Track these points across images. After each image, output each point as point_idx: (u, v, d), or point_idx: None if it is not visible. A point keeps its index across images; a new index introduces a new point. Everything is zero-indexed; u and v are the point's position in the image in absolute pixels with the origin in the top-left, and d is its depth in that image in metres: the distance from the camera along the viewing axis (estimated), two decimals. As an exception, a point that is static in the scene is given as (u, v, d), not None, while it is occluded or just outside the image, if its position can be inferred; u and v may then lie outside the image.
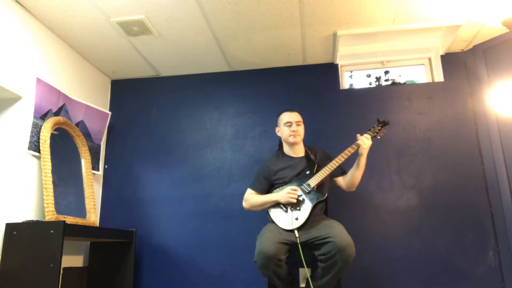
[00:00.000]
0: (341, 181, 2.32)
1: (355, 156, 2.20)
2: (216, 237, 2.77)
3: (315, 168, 2.23)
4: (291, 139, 2.31)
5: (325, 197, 2.16)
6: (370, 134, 2.22)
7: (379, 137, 2.28)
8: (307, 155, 2.34)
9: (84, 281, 2.69)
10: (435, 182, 2.64)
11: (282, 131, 2.35)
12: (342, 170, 2.32)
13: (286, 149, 2.38)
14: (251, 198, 2.28)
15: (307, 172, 2.22)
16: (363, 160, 2.16)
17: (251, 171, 2.72)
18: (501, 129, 2.54)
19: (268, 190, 2.31)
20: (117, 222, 2.91)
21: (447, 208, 2.59)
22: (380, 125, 2.28)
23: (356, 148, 2.17)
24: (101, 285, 2.66)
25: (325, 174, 2.15)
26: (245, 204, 2.31)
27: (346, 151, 2.18)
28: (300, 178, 2.21)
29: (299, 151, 2.36)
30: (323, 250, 1.92)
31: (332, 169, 2.16)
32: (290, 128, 2.31)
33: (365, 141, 2.15)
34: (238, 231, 2.76)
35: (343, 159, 2.17)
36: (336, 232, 1.92)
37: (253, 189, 2.32)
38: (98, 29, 2.52)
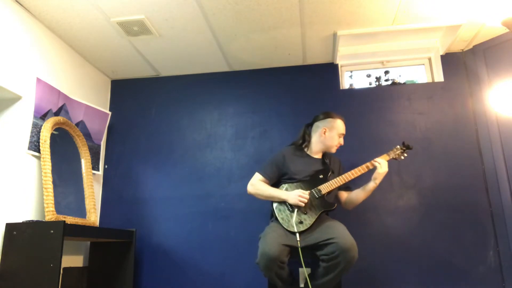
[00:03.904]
0: (343, 195, 2.30)
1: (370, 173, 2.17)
2: (216, 237, 2.77)
3: (329, 174, 2.19)
4: (334, 150, 2.30)
5: (334, 208, 2.13)
6: (390, 155, 2.21)
7: (399, 160, 2.27)
8: (323, 158, 2.31)
9: (84, 281, 2.69)
10: (435, 182, 2.64)
11: (332, 138, 2.26)
12: (347, 185, 2.29)
13: (313, 148, 2.31)
14: (260, 185, 2.21)
15: (320, 176, 2.18)
16: (373, 186, 2.13)
17: (251, 171, 2.71)
18: (501, 129, 2.54)
19: (277, 180, 2.27)
20: (117, 222, 2.91)
21: (447, 208, 2.58)
22: (404, 147, 2.25)
23: (371, 167, 2.15)
24: (101, 285, 2.66)
25: (337, 184, 2.13)
26: (250, 188, 2.24)
27: (363, 166, 2.15)
28: (312, 181, 2.17)
29: (320, 153, 2.33)
30: (325, 251, 1.91)
31: (346, 180, 2.13)
32: (340, 140, 2.29)
33: (382, 166, 2.11)
34: (238, 231, 2.76)
35: (359, 173, 2.14)
36: (339, 233, 1.91)
37: (262, 175, 2.25)
38: (98, 29, 2.52)
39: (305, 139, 2.36)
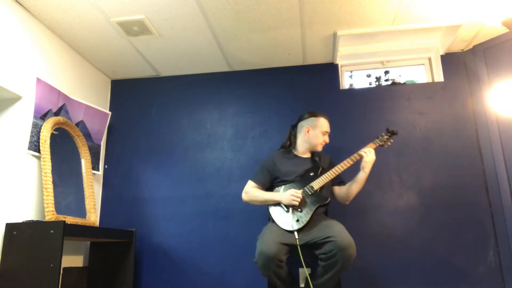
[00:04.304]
0: (337, 190, 2.31)
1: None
2: (216, 237, 2.77)
3: (319, 170, 2.21)
4: (320, 148, 2.32)
5: (327, 201, 2.15)
6: (377, 143, 2.23)
7: (386, 146, 2.28)
8: (312, 157, 2.34)
9: (84, 281, 2.69)
10: (435, 182, 2.64)
11: (316, 136, 2.30)
12: (340, 180, 2.31)
13: (300, 148, 2.35)
14: (253, 191, 2.25)
15: (311, 174, 2.20)
16: (363, 175, 2.15)
17: (251, 171, 2.72)
18: (501, 129, 2.54)
19: (270, 185, 2.29)
20: (117, 222, 2.91)
21: (447, 208, 2.59)
22: (389, 134, 2.28)
23: (358, 157, 2.17)
24: (101, 285, 2.66)
25: (329, 178, 2.15)
26: (245, 196, 2.28)
27: (351, 157, 2.18)
28: (303, 179, 2.20)
29: (308, 153, 2.36)
30: (324, 249, 1.92)
31: (336, 173, 2.15)
32: (324, 137, 2.32)
33: (368, 154, 2.13)
34: (238, 231, 2.76)
35: (348, 165, 2.16)
36: (337, 231, 1.92)
37: (255, 182, 2.29)
38: (98, 29, 2.52)
39: (292, 140, 2.40)
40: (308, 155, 2.35)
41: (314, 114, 2.34)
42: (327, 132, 2.33)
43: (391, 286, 2.51)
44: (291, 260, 2.04)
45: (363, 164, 2.14)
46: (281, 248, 1.92)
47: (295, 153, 2.36)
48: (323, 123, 2.32)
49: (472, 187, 2.60)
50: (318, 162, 2.29)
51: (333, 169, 2.16)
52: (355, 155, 2.18)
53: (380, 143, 2.24)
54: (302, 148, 2.34)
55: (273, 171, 2.28)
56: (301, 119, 2.38)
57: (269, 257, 1.87)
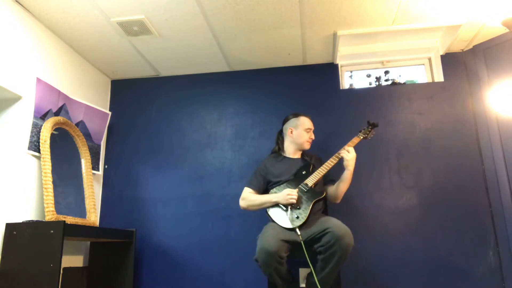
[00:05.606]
0: (328, 189, 2.34)
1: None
2: (216, 237, 2.77)
3: (311, 168, 2.28)
4: (307, 145, 2.39)
5: (323, 195, 2.19)
6: (360, 137, 2.32)
7: (369, 138, 2.37)
8: (302, 157, 2.41)
9: (84, 281, 2.69)
10: (435, 182, 2.64)
11: (300, 135, 2.37)
12: (330, 179, 2.36)
13: (288, 150, 2.42)
14: (249, 197, 2.29)
15: (303, 172, 2.26)
16: (347, 173, 2.20)
17: (251, 171, 2.72)
18: (501, 129, 2.54)
19: (265, 189, 2.33)
20: (117, 222, 2.91)
21: (447, 208, 2.59)
22: (370, 127, 2.39)
23: (342, 155, 2.21)
24: (101, 285, 2.66)
25: (322, 173, 2.20)
26: (242, 202, 2.31)
27: (337, 154, 2.23)
28: (297, 178, 2.25)
29: (297, 153, 2.41)
30: (322, 242, 1.94)
31: (328, 168, 2.21)
32: (309, 134, 2.38)
33: (347, 154, 2.18)
34: (238, 231, 2.76)
35: (335, 161, 2.22)
36: (334, 223, 1.96)
37: (250, 187, 2.33)
38: (98, 29, 2.52)
39: (280, 144, 2.49)
40: (298, 155, 2.41)
41: (295, 115, 2.43)
42: (310, 129, 2.39)
43: (391, 286, 2.51)
44: (291, 259, 2.04)
45: (345, 162, 2.19)
46: (281, 244, 1.93)
47: (285, 155, 2.42)
48: (304, 121, 2.39)
49: (472, 187, 2.60)
50: (309, 160, 2.36)
51: (324, 165, 2.23)
52: (337, 154, 2.23)
53: (364, 136, 2.34)
54: (290, 149, 2.41)
55: (266, 174, 2.33)
56: (284, 122, 2.47)
57: (270, 253, 1.87)
